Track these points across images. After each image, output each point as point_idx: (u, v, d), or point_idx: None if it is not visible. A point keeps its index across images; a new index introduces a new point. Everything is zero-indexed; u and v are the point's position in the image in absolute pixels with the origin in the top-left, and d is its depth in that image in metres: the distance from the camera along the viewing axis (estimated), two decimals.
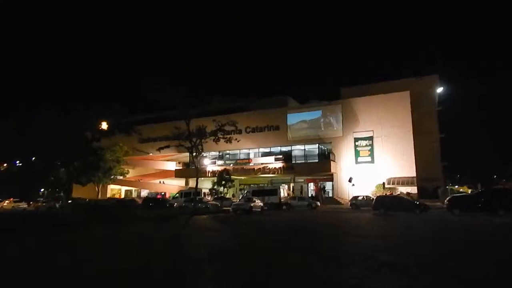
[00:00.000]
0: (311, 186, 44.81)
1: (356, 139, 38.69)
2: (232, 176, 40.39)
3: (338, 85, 48.46)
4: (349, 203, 30.81)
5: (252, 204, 25.93)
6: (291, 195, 35.78)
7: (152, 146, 50.34)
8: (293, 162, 40.21)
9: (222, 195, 35.16)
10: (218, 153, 46.70)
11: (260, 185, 40.01)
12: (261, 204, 27.92)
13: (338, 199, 36.96)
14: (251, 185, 41.01)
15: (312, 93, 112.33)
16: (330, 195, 41.14)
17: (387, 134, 37.38)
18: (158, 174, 54.58)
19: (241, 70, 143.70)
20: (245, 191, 36.60)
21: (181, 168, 47.84)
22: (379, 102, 38.12)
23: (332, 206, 33.51)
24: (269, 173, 39.67)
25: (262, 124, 44.03)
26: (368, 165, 37.56)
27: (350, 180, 35.49)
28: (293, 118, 42.47)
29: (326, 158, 39.31)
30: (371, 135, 38.08)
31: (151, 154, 52.03)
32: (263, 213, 26.72)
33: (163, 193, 50.28)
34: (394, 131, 37.06)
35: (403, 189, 34.98)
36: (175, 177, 46.32)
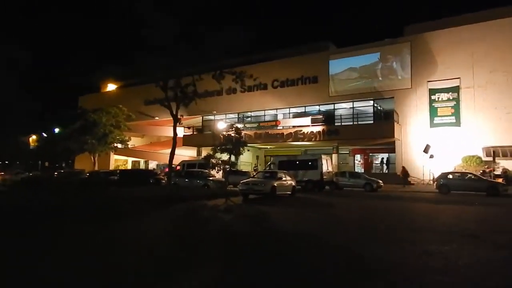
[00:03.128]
0: (358, 158, 33.65)
1: (432, 91, 26.49)
2: (252, 145, 30.12)
3: (400, 25, 34.86)
4: (435, 184, 19.57)
5: (275, 183, 15.45)
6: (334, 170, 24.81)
7: (158, 108, 41.16)
8: (338, 124, 29.00)
9: (230, 167, 24.07)
10: (237, 115, 36.46)
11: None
12: (293, 182, 17.52)
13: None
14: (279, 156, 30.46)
15: (361, 42, 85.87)
16: (385, 170, 29.90)
17: (482, 84, 24.95)
18: (169, 142, 45.68)
19: (263, 18, 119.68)
20: (269, 163, 26.07)
21: (190, 133, 38.31)
22: (472, 36, 25.36)
23: (395, 187, 22.43)
24: (303, 140, 28.84)
25: (294, 75, 32.71)
26: (450, 128, 25.53)
27: (426, 150, 23.83)
28: (338, 66, 30.73)
29: (385, 119, 27.70)
30: (457, 84, 25.70)
31: (157, 118, 42.93)
32: (295, 197, 16.37)
33: (175, 166, 41.77)
34: (496, 78, 24.54)
35: (508, 164, 23.13)
36: (183, 145, 36.85)
